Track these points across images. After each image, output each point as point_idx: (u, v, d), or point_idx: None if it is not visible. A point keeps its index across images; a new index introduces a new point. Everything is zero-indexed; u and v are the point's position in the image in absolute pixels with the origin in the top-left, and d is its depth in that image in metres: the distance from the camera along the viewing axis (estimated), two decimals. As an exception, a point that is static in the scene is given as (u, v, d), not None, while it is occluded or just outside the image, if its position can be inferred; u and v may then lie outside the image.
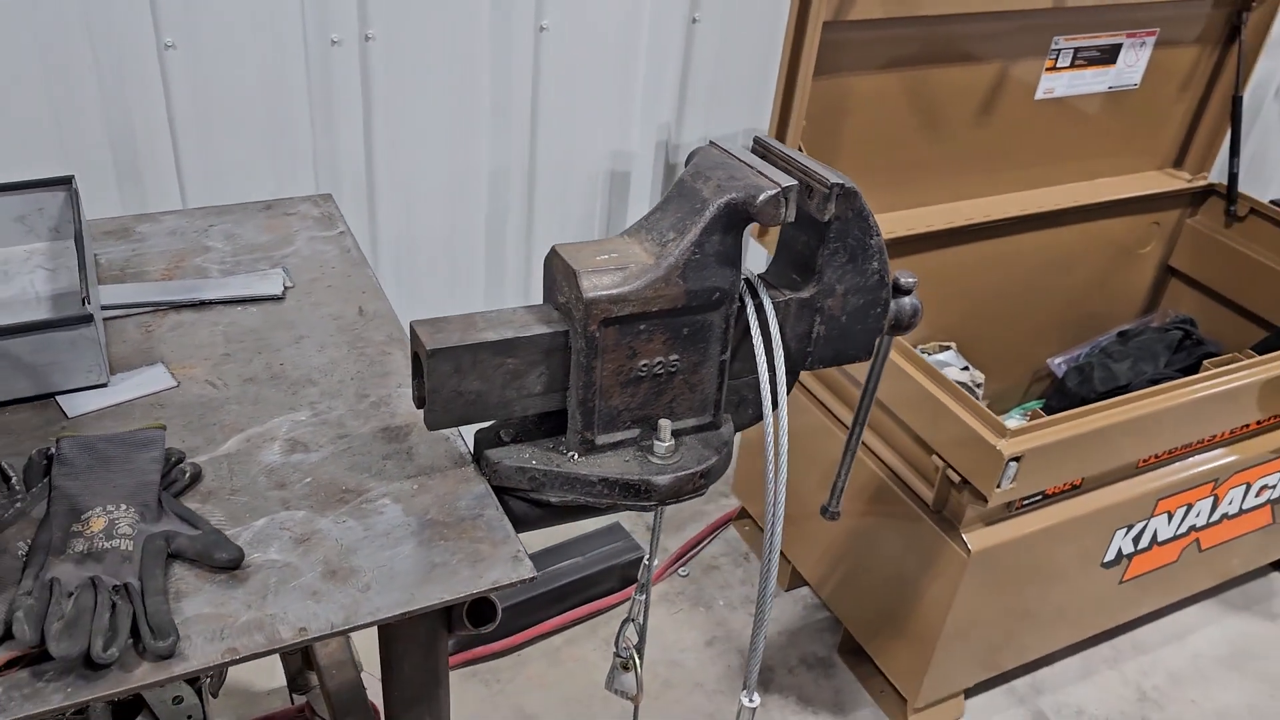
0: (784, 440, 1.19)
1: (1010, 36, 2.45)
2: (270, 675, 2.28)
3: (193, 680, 1.78)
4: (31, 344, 1.19)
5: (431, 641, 1.16)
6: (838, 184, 1.15)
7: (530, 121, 2.38)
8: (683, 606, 2.59)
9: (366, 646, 2.36)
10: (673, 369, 1.19)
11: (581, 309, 1.10)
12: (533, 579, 1.08)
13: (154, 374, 1.28)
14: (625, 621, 1.77)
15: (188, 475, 1.12)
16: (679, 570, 2.70)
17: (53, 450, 1.11)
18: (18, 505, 1.06)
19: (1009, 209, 2.68)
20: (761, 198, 1.11)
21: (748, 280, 1.23)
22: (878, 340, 1.35)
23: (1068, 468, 2.05)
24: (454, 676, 2.31)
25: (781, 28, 2.39)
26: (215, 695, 1.79)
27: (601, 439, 1.19)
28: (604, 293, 1.10)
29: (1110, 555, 2.29)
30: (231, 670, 1.85)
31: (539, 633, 2.43)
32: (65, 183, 1.46)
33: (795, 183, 1.13)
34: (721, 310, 1.18)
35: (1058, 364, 3.04)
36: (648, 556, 1.65)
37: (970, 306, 2.80)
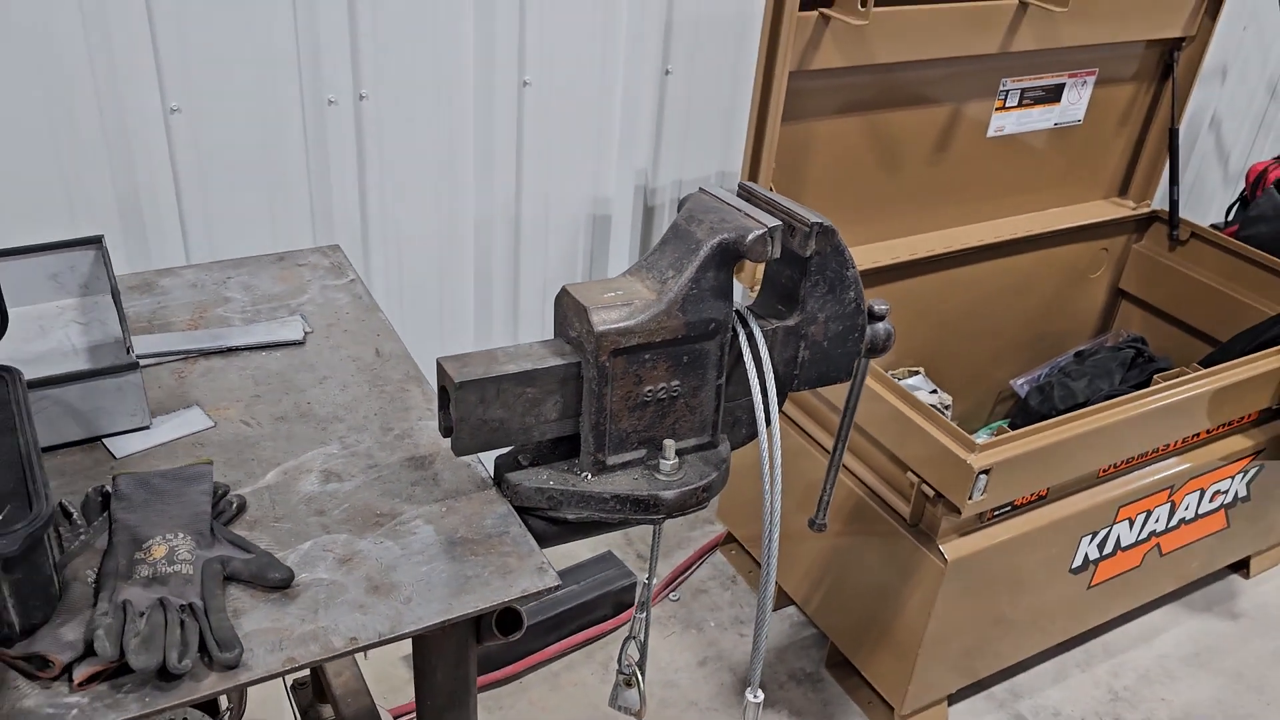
0: (778, 453, 1.31)
1: (961, 80, 2.63)
2: (279, 710, 2.35)
3: (214, 713, 1.86)
4: (80, 391, 1.28)
5: (462, 651, 1.25)
6: (817, 223, 1.28)
7: (515, 171, 2.51)
8: (675, 629, 2.69)
9: (375, 676, 2.43)
10: (675, 394, 1.31)
11: (593, 341, 1.22)
12: (558, 587, 1.18)
13: (192, 416, 1.38)
14: (627, 639, 1.87)
15: (234, 506, 1.22)
16: (670, 595, 2.79)
17: (108, 488, 1.21)
18: (82, 538, 1.15)
19: (968, 239, 2.85)
20: (750, 237, 1.24)
21: (739, 312, 1.35)
22: (856, 362, 1.48)
23: (1033, 479, 2.19)
24: (457, 706, 2.39)
25: (746, 77, 2.56)
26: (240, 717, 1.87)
27: (612, 459, 1.30)
28: (612, 326, 1.22)
29: (1078, 561, 2.43)
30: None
31: (538, 660, 2.52)
32: (95, 242, 1.56)
33: (779, 223, 1.26)
34: (717, 339, 1.30)
35: (1020, 384, 3.20)
36: (648, 574, 1.75)
37: (936, 332, 2.95)
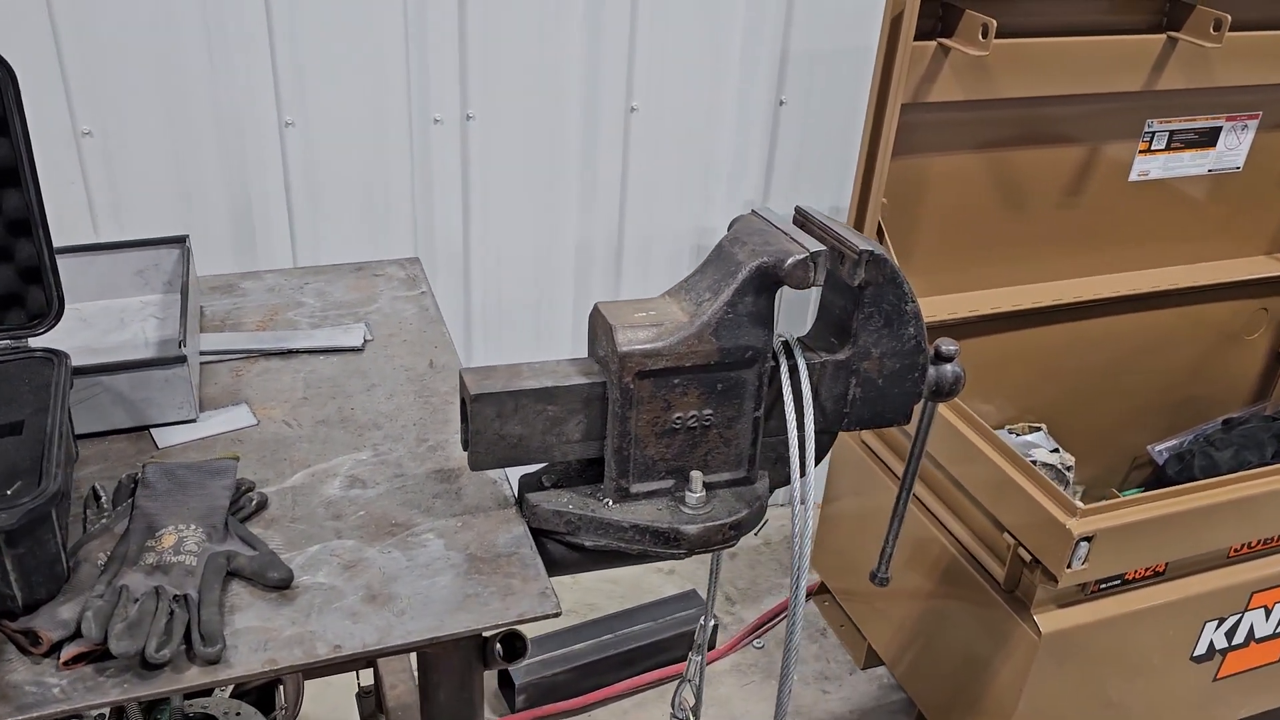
0: (811, 496, 1.22)
1: (1099, 118, 2.45)
2: (347, 715, 2.37)
3: (268, 711, 1.89)
4: (131, 381, 1.32)
5: (466, 673, 1.22)
6: (866, 250, 1.19)
7: (619, 195, 2.50)
8: (754, 678, 2.58)
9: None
10: (707, 423, 1.24)
11: (617, 361, 1.17)
12: (557, 614, 1.13)
13: (238, 413, 1.40)
14: (682, 682, 1.80)
15: (254, 503, 1.23)
16: (754, 642, 2.69)
17: (139, 475, 1.24)
18: (103, 521, 1.18)
19: (1101, 290, 2.65)
20: (790, 261, 1.17)
21: (785, 341, 1.28)
22: (920, 406, 1.37)
23: (1147, 552, 1.99)
24: (522, 732, 2.36)
25: (863, 109, 2.46)
26: (289, 728, 1.88)
27: (636, 487, 1.24)
28: (638, 347, 1.17)
29: (1200, 649, 2.19)
30: (307, 708, 1.95)
31: (609, 695, 2.46)
32: (180, 241, 1.62)
33: (824, 248, 1.18)
34: (755, 368, 1.23)
35: (1158, 451, 2.94)
36: (705, 616, 1.68)
37: (1061, 388, 2.75)
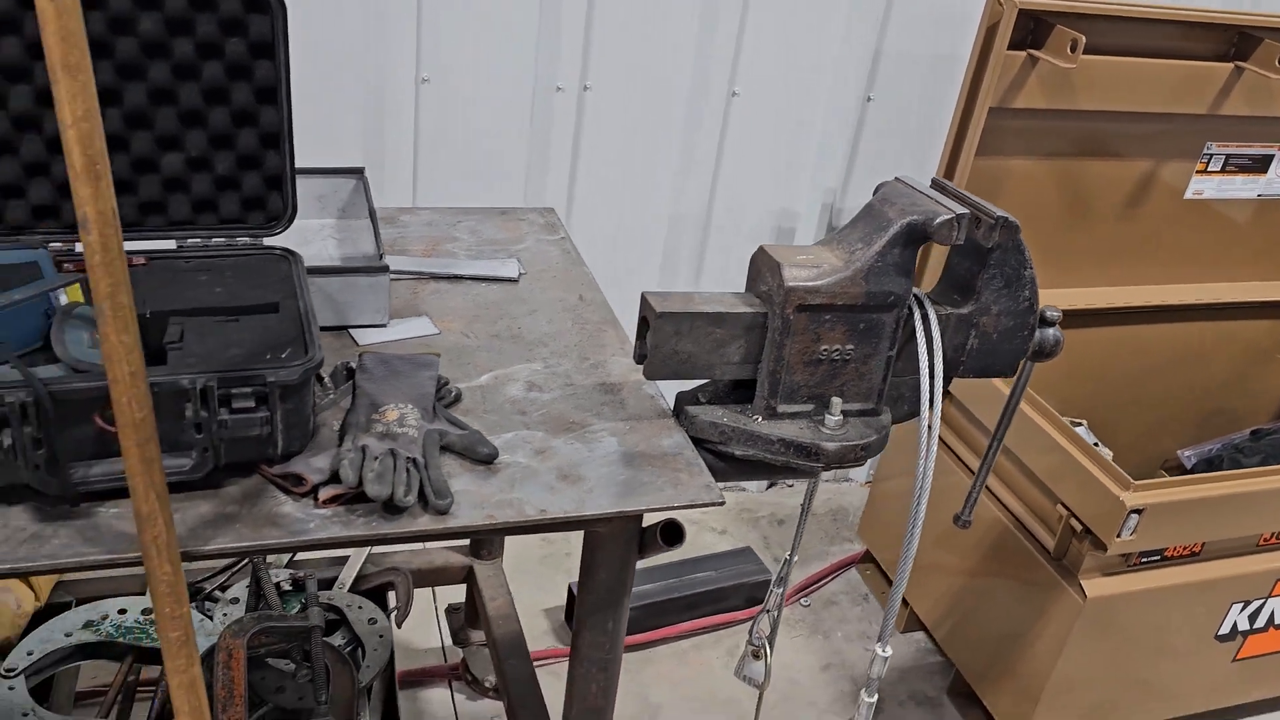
0: (937, 424, 1.41)
1: (1164, 137, 2.64)
2: (427, 635, 2.56)
3: (384, 608, 2.07)
4: (340, 284, 1.51)
5: (625, 556, 1.40)
6: (1002, 217, 1.38)
7: (712, 175, 2.69)
8: (802, 633, 2.77)
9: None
10: (847, 357, 1.43)
11: (782, 295, 1.36)
12: (721, 503, 1.31)
13: (421, 323, 1.59)
14: (761, 612, 1.98)
15: (453, 394, 1.42)
16: (801, 600, 2.87)
17: (352, 363, 1.42)
18: (330, 397, 1.36)
19: (1146, 298, 2.83)
20: (938, 220, 1.36)
21: (916, 294, 1.47)
22: (1021, 363, 1.56)
23: (1188, 530, 2.18)
24: (589, 662, 2.54)
25: (946, 113, 2.65)
26: (400, 626, 2.07)
27: (782, 408, 1.43)
28: (801, 284, 1.36)
29: (1225, 629, 2.38)
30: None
31: (669, 634, 2.64)
32: (358, 173, 1.81)
33: (967, 212, 1.37)
34: (894, 313, 1.42)
35: (1187, 455, 3.13)
36: (790, 552, 1.87)
37: (1100, 389, 2.94)
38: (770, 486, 3.23)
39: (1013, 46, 2.32)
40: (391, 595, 2.14)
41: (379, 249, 1.57)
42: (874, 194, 1.48)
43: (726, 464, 1.44)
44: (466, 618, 2.39)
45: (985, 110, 2.35)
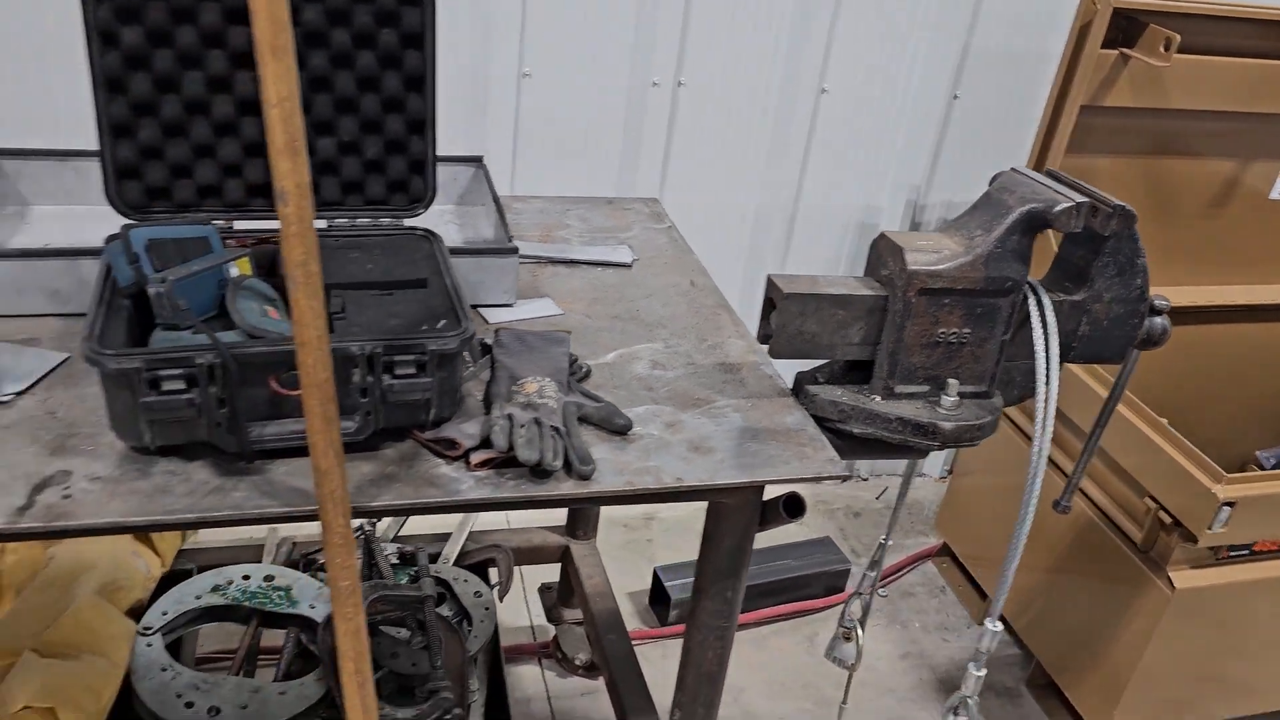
0: (1052, 409, 1.45)
1: (1251, 137, 2.65)
2: (516, 614, 2.63)
3: (486, 583, 2.14)
4: (473, 264, 1.58)
5: (746, 527, 1.46)
6: (1120, 205, 1.42)
7: (800, 169, 2.74)
8: (880, 622, 2.81)
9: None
10: (964, 340, 1.48)
11: (904, 278, 1.41)
12: (848, 477, 1.37)
13: (545, 304, 1.66)
14: (854, 595, 2.02)
15: (584, 370, 1.48)
16: (879, 591, 2.91)
17: (488, 339, 1.49)
18: (470, 369, 1.44)
19: (1227, 298, 2.84)
20: (1059, 208, 1.40)
21: (1029, 281, 1.51)
22: (1129, 351, 1.60)
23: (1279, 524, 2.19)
24: (672, 644, 2.60)
25: (1033, 111, 2.68)
26: (501, 600, 2.15)
27: (900, 388, 1.48)
28: (923, 268, 1.41)
29: (1311, 626, 2.38)
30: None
31: (750, 620, 2.69)
32: (477, 161, 1.88)
33: (1086, 200, 1.42)
34: (1010, 298, 1.46)
35: (1266, 456, 3.12)
36: (885, 536, 1.92)
37: (1182, 387, 2.94)
38: (845, 480, 3.26)
39: (1105, 45, 2.35)
40: (493, 571, 2.21)
41: (507, 232, 1.64)
42: (990, 183, 1.52)
43: (844, 442, 1.50)
44: (559, 596, 2.46)
45: (1076, 108, 2.38)
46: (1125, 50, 2.38)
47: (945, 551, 3.01)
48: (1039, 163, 2.47)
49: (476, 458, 1.27)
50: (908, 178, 2.85)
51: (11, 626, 1.73)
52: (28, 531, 1.11)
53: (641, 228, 1.98)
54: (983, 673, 1.58)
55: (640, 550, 2.91)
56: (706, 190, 2.69)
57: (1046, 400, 1.45)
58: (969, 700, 1.61)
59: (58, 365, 1.34)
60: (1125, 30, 2.39)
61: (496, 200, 1.75)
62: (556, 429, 1.32)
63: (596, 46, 2.43)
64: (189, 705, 1.69)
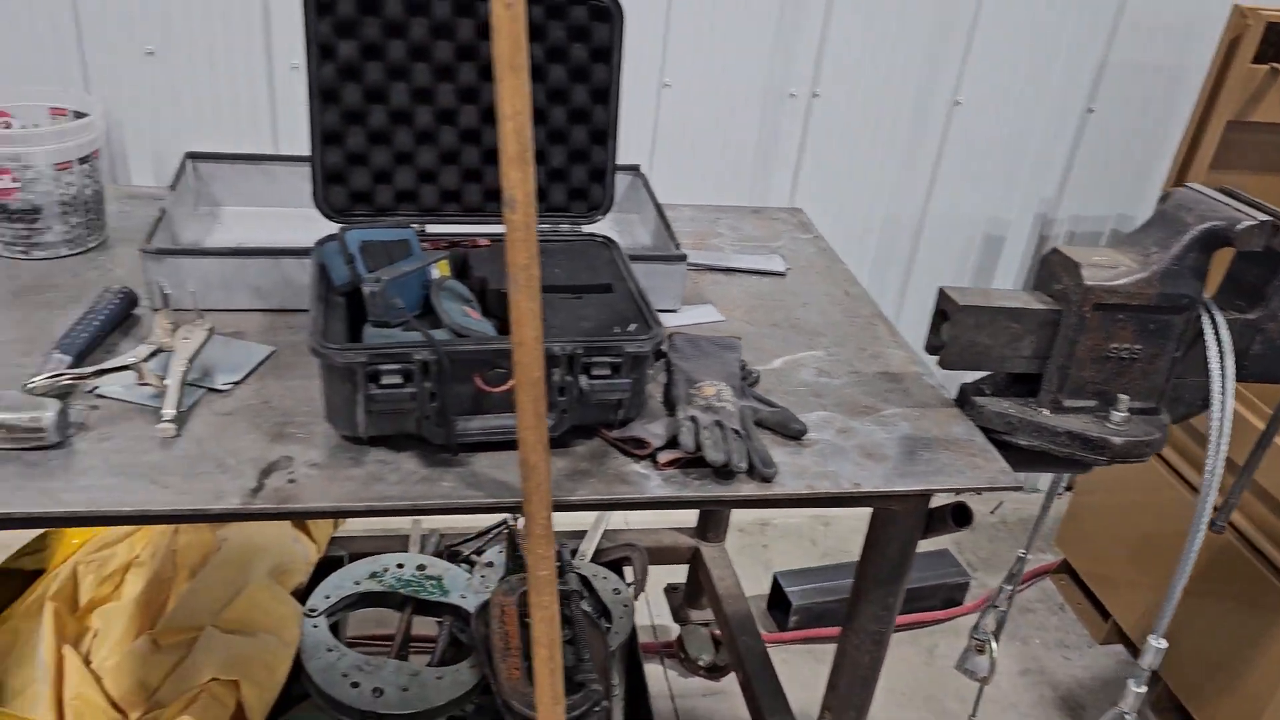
0: (1228, 427, 1.45)
1: (1402, 154, 2.59)
2: (639, 614, 2.68)
3: (624, 581, 2.19)
4: (641, 270, 1.62)
5: (910, 535, 1.48)
6: (1304, 224, 1.42)
7: (929, 180, 2.74)
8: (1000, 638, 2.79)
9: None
10: (1135, 356, 1.48)
11: (1080, 293, 1.42)
12: (1019, 488, 1.38)
13: (707, 310, 1.70)
14: (988, 608, 2.03)
15: (754, 376, 1.52)
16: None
17: (663, 345, 1.54)
18: (649, 373, 1.48)
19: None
20: (1241, 225, 1.40)
21: (1204, 300, 1.51)
22: (1300, 372, 1.58)
23: None
24: (791, 649, 2.63)
25: (1171, 127, 2.65)
26: (636, 598, 2.20)
27: (1068, 402, 1.49)
28: (1100, 283, 1.42)
29: None
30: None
31: (869, 628, 2.70)
32: (634, 169, 1.94)
33: (1270, 218, 1.41)
34: (1184, 315, 1.47)
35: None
36: (1024, 549, 1.92)
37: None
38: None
39: (1255, 60, 2.32)
40: (628, 569, 2.27)
41: (673, 240, 1.69)
42: (1161, 201, 1.53)
43: (1009, 454, 1.51)
44: (686, 597, 2.51)
45: (1223, 123, 2.36)
46: (1276, 65, 2.35)
47: (1065, 568, 2.98)
48: (1180, 179, 2.45)
49: (664, 457, 1.32)
50: (1038, 191, 2.83)
51: (191, 603, 1.83)
52: (260, 512, 1.19)
53: (790, 237, 2.01)
54: (1144, 689, 1.58)
55: (756, 556, 2.94)
56: (836, 199, 2.71)
57: (1221, 419, 1.45)
58: (1126, 716, 1.61)
59: (266, 358, 1.43)
60: (1276, 44, 2.36)
61: (659, 208, 1.80)
62: (737, 431, 1.36)
63: (736, 58, 2.48)
64: (354, 685, 1.78)
